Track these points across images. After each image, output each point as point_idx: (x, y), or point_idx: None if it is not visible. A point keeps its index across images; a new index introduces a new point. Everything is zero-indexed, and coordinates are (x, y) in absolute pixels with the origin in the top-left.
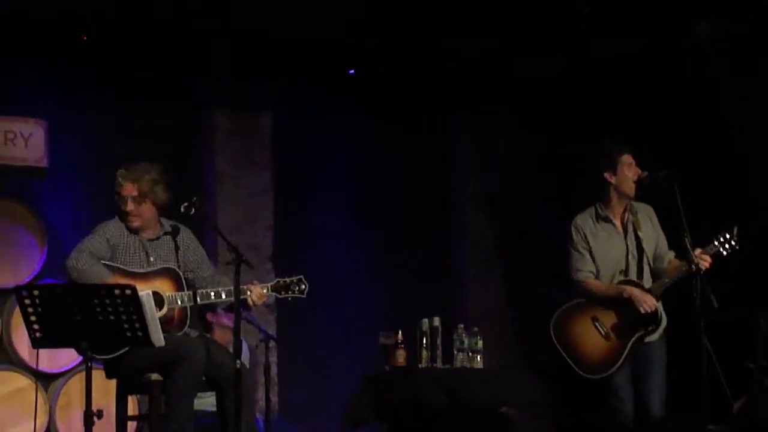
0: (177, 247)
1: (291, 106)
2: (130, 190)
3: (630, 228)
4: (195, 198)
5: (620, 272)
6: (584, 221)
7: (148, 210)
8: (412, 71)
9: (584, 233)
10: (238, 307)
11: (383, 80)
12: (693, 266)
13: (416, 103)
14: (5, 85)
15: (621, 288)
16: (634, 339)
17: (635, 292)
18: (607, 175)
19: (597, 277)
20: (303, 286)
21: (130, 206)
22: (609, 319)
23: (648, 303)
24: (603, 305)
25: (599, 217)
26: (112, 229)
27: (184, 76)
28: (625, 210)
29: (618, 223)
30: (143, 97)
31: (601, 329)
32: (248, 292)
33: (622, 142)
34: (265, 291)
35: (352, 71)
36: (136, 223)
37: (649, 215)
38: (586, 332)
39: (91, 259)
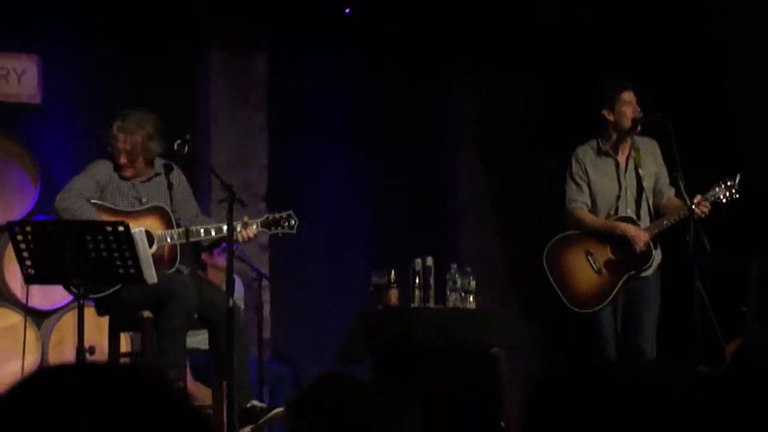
0: (170, 186)
1: (286, 45)
2: (123, 143)
3: (631, 165)
4: (188, 136)
5: (614, 208)
6: (585, 153)
7: (140, 163)
8: (409, 12)
9: (584, 165)
10: (231, 246)
11: (380, 20)
12: (688, 209)
13: (413, 44)
14: None
15: (615, 224)
16: (625, 278)
17: (629, 229)
18: (605, 112)
19: (591, 210)
20: (293, 221)
21: (124, 159)
22: (602, 254)
23: (642, 241)
24: (597, 240)
25: (600, 151)
26: (102, 169)
27: (180, 14)
28: (626, 146)
29: (620, 159)
30: (138, 34)
31: (593, 264)
32: (238, 228)
33: (626, 78)
34: (255, 227)
35: (348, 10)
36: (128, 174)
37: (652, 150)
38: (578, 265)
39: (80, 199)
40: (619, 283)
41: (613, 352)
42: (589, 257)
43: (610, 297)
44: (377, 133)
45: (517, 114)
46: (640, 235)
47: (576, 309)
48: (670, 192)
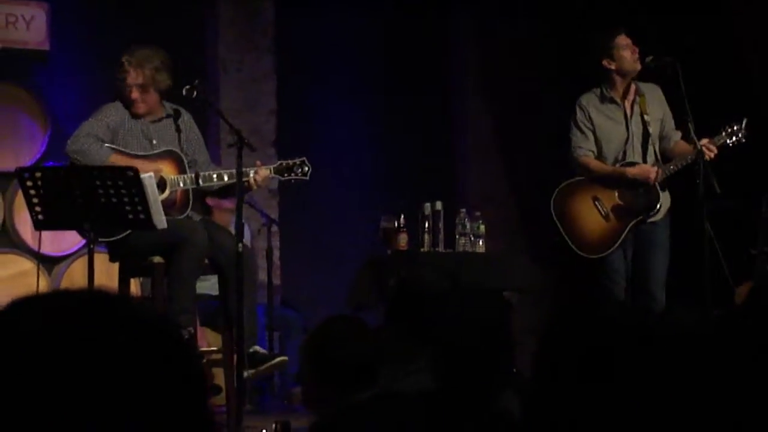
0: (179, 130)
1: None
2: (134, 77)
3: (636, 110)
4: (197, 81)
5: (622, 154)
6: (589, 100)
7: (152, 97)
8: None
9: (588, 112)
10: (240, 190)
11: None
12: (697, 153)
13: None
14: None
15: (622, 169)
16: (633, 222)
17: (636, 170)
18: (605, 62)
19: (598, 157)
20: (306, 168)
21: (135, 94)
22: (610, 199)
23: (651, 173)
24: (605, 185)
25: (605, 98)
26: (113, 112)
27: None
28: (630, 91)
29: (623, 105)
30: None
31: (601, 209)
32: (251, 173)
33: (623, 25)
34: (268, 172)
35: None
36: (141, 110)
37: (656, 95)
38: (585, 211)
39: (90, 140)
40: (627, 228)
41: (622, 294)
42: (597, 203)
43: (618, 242)
44: (384, 78)
45: (521, 55)
46: (647, 169)
47: (584, 254)
48: (676, 136)
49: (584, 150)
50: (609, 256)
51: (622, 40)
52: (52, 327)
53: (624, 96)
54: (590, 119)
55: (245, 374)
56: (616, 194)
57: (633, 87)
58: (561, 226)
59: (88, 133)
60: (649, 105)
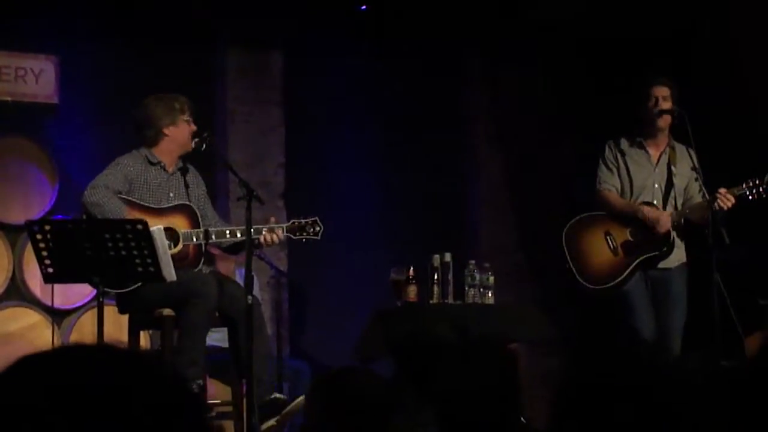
0: (187, 185)
1: (302, 42)
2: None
3: (664, 160)
4: (207, 133)
5: (641, 197)
6: (620, 142)
7: None
8: (425, 9)
9: (616, 152)
10: (250, 242)
11: (396, 18)
12: (708, 201)
13: (430, 40)
14: (16, 20)
15: (637, 207)
16: (641, 258)
17: (650, 213)
18: (637, 108)
19: (621, 195)
20: (318, 228)
21: (194, 126)
22: (621, 235)
23: (662, 223)
24: (618, 222)
25: (634, 143)
26: (130, 163)
27: (196, 13)
28: (661, 141)
29: (652, 152)
30: (154, 34)
31: (611, 243)
32: (263, 232)
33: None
34: (280, 232)
35: (364, 7)
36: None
37: (688, 155)
38: (595, 243)
39: (108, 193)
40: (634, 263)
41: (648, 334)
42: (608, 237)
43: (624, 275)
44: (394, 129)
45: (532, 106)
46: (661, 217)
47: (588, 284)
48: (699, 199)
49: (608, 185)
50: (632, 300)
51: (658, 91)
52: (58, 385)
53: (653, 144)
54: (617, 159)
55: (264, 427)
56: (628, 232)
57: (666, 138)
58: (568, 253)
59: (105, 185)
60: (679, 160)
